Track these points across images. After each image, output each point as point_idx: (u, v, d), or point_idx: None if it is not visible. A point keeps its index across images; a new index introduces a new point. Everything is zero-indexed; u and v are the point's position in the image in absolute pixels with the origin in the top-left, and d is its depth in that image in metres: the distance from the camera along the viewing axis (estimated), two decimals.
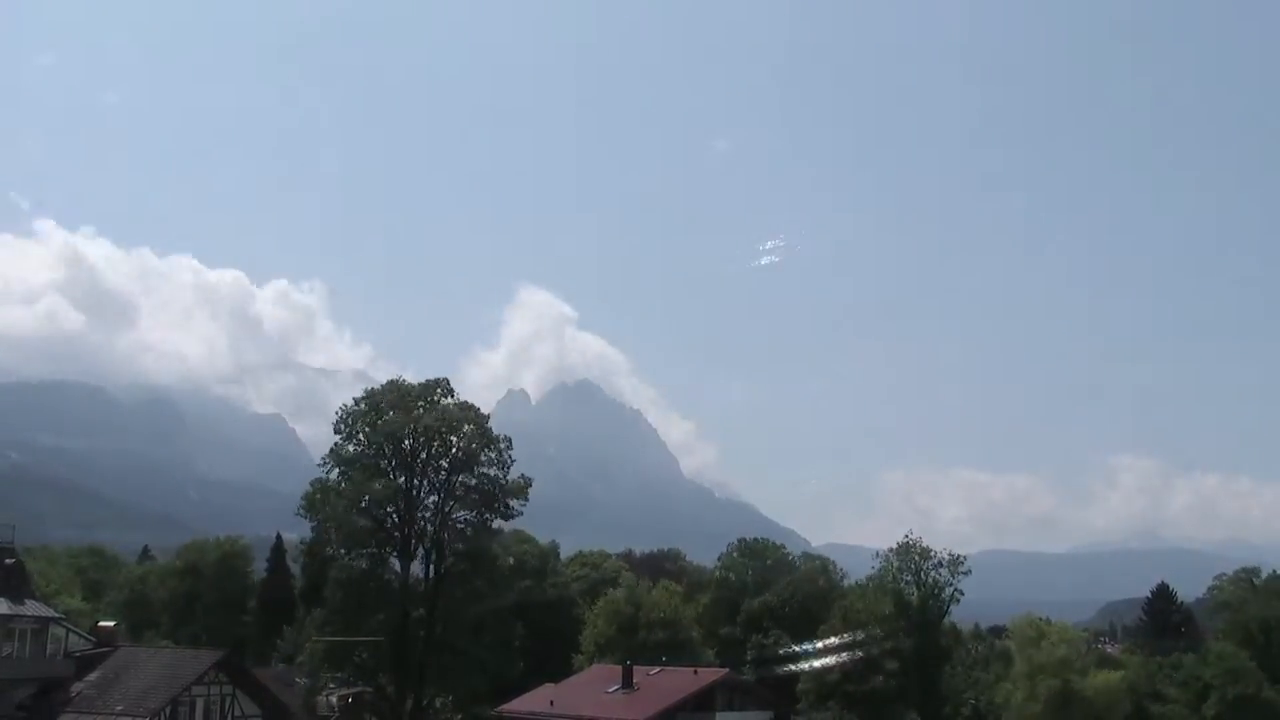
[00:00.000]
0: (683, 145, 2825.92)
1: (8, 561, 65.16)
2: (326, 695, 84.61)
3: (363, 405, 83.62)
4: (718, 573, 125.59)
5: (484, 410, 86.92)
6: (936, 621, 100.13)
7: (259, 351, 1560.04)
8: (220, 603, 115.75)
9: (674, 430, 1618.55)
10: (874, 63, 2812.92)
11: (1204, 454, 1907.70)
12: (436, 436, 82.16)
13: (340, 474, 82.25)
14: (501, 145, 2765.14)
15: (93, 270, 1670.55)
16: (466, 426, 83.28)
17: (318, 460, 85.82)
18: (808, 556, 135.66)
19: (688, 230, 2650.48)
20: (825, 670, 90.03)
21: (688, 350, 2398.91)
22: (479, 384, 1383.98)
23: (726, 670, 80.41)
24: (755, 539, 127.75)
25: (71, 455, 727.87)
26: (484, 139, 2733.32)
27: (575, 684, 79.64)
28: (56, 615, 69.48)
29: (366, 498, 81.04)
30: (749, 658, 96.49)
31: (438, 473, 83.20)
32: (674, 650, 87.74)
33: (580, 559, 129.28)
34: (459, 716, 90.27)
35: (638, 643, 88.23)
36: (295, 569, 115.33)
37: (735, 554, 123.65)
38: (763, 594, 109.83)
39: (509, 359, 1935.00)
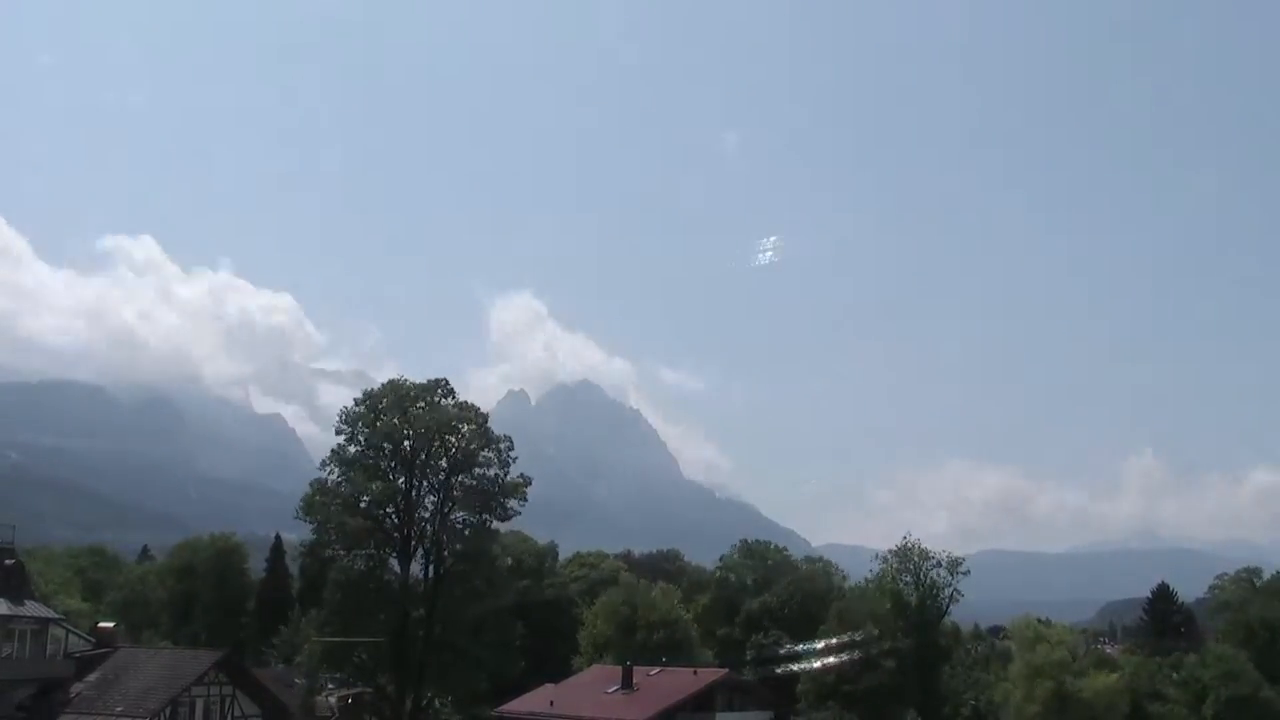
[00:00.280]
0: (680, 145, 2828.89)
1: (8, 562, 65.18)
2: (326, 695, 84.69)
3: (363, 406, 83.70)
4: (717, 573, 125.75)
5: (483, 410, 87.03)
6: (935, 622, 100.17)
7: (259, 351, 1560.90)
8: (219, 603, 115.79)
9: (674, 430, 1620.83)
10: (875, 61, 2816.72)
11: (1204, 454, 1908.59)
12: (436, 437, 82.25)
13: (340, 474, 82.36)
14: (498, 145, 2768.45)
15: (93, 270, 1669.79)
16: (466, 427, 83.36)
17: (318, 460, 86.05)
18: (808, 557, 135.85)
19: (686, 229, 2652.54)
20: (825, 670, 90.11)
21: (688, 350, 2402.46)
22: (478, 384, 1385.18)
23: (726, 670, 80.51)
24: (755, 540, 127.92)
25: (71, 455, 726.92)
26: (481, 138, 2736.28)
27: (575, 684, 79.70)
28: (56, 616, 69.53)
29: (365, 498, 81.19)
30: (749, 658, 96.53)
31: (437, 473, 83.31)
32: (673, 650, 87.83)
33: (579, 559, 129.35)
34: (459, 716, 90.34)
35: (637, 643, 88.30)
36: (294, 569, 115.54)
37: (735, 555, 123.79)
38: (762, 595, 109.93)
39: (508, 359, 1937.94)
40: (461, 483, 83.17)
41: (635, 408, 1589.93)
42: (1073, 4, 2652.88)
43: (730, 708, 73.65)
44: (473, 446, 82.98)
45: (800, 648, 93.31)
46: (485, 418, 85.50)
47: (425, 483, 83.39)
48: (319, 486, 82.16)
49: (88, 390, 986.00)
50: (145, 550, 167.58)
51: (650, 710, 67.90)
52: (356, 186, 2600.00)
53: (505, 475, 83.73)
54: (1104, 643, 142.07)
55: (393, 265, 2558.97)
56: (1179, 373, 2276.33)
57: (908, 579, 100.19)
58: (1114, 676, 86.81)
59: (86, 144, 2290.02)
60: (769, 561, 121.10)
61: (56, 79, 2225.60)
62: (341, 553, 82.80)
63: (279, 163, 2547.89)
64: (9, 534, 68.14)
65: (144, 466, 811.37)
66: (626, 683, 72.76)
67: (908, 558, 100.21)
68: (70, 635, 68.20)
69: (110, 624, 77.63)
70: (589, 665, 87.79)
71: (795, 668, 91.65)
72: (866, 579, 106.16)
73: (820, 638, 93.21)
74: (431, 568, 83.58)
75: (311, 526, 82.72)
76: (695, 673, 75.44)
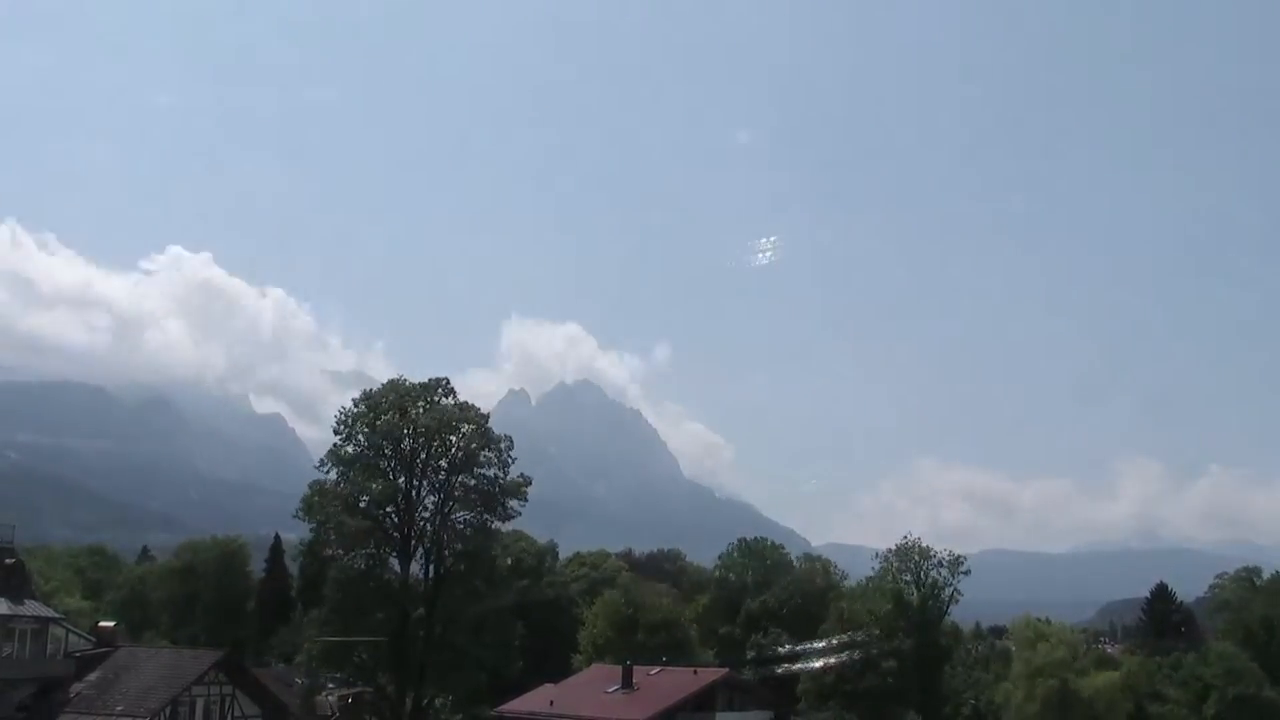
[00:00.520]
0: (680, 145, 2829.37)
1: (8, 561, 65.20)
2: (326, 695, 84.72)
3: (362, 406, 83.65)
4: (717, 573, 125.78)
5: (484, 410, 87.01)
6: (936, 621, 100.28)
7: (259, 351, 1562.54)
8: (219, 603, 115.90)
9: (674, 430, 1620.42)
10: (877, 59, 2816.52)
11: (1205, 454, 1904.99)
12: (436, 437, 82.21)
13: (339, 474, 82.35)
14: (499, 145, 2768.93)
15: (93, 270, 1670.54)
16: (466, 427, 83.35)
17: (317, 460, 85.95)
18: (807, 557, 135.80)
19: (686, 228, 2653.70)
20: (825, 670, 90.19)
21: (688, 350, 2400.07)
22: (479, 384, 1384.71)
23: (726, 670, 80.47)
24: (755, 539, 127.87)
25: (71, 455, 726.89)
26: (482, 139, 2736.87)
27: (575, 684, 79.68)
28: (56, 615, 69.54)
29: (365, 498, 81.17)
30: (749, 658, 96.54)
31: (437, 473, 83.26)
32: (673, 650, 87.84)
33: (580, 559, 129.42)
34: (459, 716, 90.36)
35: (636, 643, 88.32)
36: (294, 569, 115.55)
37: (735, 554, 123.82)
38: (762, 594, 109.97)
39: (509, 359, 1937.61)
40: (462, 483, 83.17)
41: (635, 407, 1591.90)
42: (1074, 4, 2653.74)
43: (730, 707, 73.61)
44: (473, 446, 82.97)
45: (800, 648, 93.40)
46: (486, 418, 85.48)
47: (425, 482, 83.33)
48: (318, 487, 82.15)
49: (88, 390, 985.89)
50: (145, 550, 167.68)
51: (650, 710, 67.87)
52: (358, 185, 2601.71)
53: (505, 475, 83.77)
54: (1104, 643, 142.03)
55: (394, 265, 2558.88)
56: (1179, 372, 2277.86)
57: (908, 578, 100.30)
58: (1115, 675, 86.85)
59: (87, 144, 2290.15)
60: (768, 561, 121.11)
61: (51, 79, 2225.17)
62: (341, 552, 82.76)
63: (279, 162, 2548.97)
64: (9, 534, 68.15)
65: (144, 466, 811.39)
66: (626, 682, 72.74)
67: (908, 557, 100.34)
68: (70, 635, 68.20)
69: (110, 623, 77.62)
70: (589, 665, 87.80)
71: (795, 668, 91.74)
72: (867, 578, 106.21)
73: (820, 637, 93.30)
74: (431, 567, 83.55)
75: (311, 527, 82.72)
76: (695, 672, 75.44)
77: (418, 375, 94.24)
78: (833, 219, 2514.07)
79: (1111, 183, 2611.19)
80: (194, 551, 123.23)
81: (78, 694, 63.54)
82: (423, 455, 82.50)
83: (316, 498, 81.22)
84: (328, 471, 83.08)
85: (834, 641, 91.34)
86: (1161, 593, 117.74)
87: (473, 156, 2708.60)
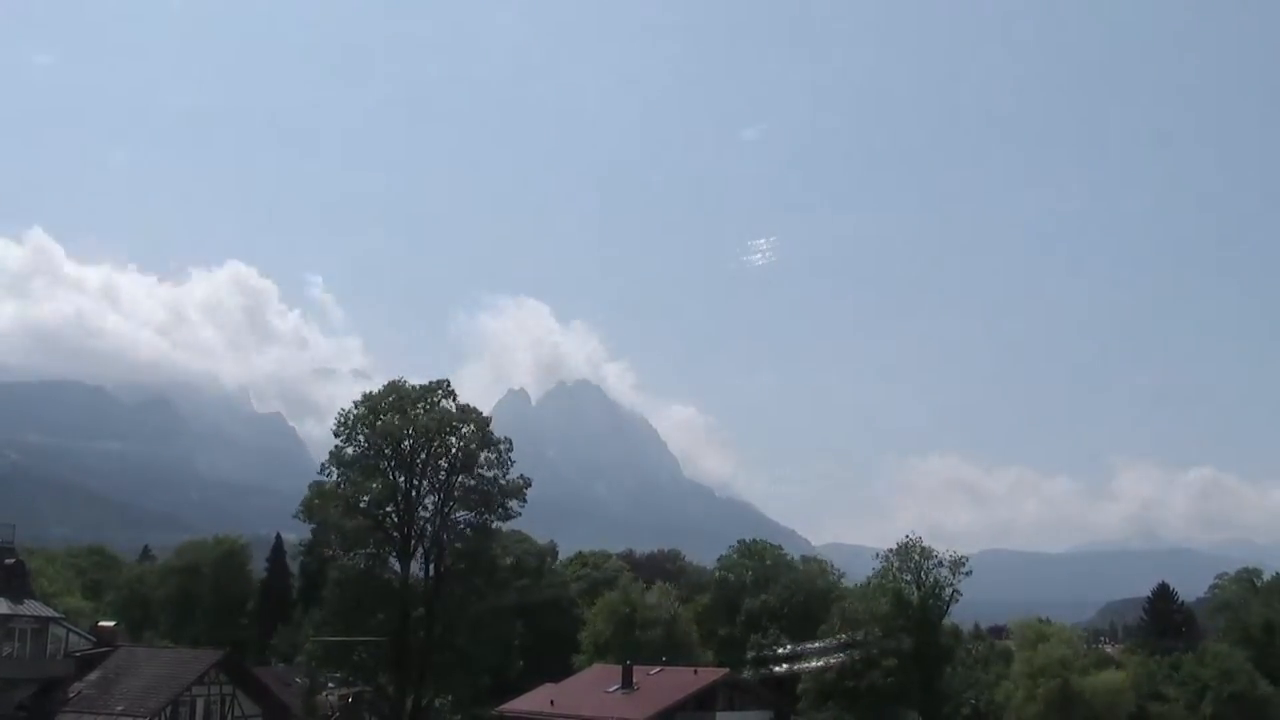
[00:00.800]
0: (680, 145, 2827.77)
1: (8, 561, 65.25)
2: (326, 695, 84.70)
3: (362, 407, 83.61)
4: (717, 573, 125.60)
5: (483, 411, 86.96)
6: (937, 621, 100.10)
7: (259, 351, 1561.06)
8: (220, 603, 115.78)
9: (674, 430, 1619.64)
10: (878, 57, 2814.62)
11: (1205, 454, 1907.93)
12: (436, 437, 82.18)
13: (340, 475, 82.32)
14: (500, 145, 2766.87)
15: (93, 270, 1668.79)
16: (466, 428, 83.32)
17: (318, 460, 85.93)
18: (807, 557, 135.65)
19: (685, 228, 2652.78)
20: (825, 670, 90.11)
21: (688, 350, 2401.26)
22: (479, 384, 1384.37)
23: (727, 670, 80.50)
24: (755, 539, 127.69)
25: (71, 455, 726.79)
26: (482, 140, 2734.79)
27: (575, 684, 79.67)
28: (56, 615, 69.54)
29: (365, 498, 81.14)
30: (749, 658, 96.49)
31: (437, 473, 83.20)
32: (673, 650, 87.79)
33: (580, 559, 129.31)
34: (459, 716, 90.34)
35: (637, 643, 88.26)
36: (294, 569, 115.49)
37: (735, 554, 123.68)
38: (762, 594, 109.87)
39: (509, 359, 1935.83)
40: (462, 483, 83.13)
41: (636, 407, 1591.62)
42: (1079, 4, 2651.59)
43: (730, 707, 73.60)
44: (473, 447, 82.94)
45: (800, 648, 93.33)
46: (486, 419, 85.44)
47: (425, 483, 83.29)
48: (319, 488, 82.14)
49: (88, 390, 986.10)
50: (145, 550, 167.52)
51: (650, 710, 67.87)
52: (359, 185, 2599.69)
53: (505, 476, 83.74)
54: (1104, 642, 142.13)
55: (395, 265, 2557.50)
56: (1180, 373, 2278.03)
57: (908, 578, 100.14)
58: (1119, 675, 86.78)
59: (86, 144, 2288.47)
60: (768, 561, 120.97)
61: (50, 79, 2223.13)
62: (341, 553, 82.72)
63: (279, 162, 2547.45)
64: (9, 534, 68.21)
65: (144, 466, 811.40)
66: (627, 682, 72.74)
67: (909, 557, 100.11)
68: (70, 634, 68.20)
69: (111, 623, 77.64)
70: (589, 665, 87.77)
71: (795, 667, 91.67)
72: (868, 578, 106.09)
73: (820, 637, 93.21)
74: (431, 567, 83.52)
75: (311, 527, 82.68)
76: (695, 672, 75.45)
77: (418, 376, 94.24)
78: (834, 219, 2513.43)
79: (1115, 183, 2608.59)
80: (195, 551, 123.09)
81: (78, 694, 63.51)
82: (423, 456, 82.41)
83: (317, 499, 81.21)
84: (328, 472, 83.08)
85: (834, 641, 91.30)
86: (1163, 593, 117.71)
87: (473, 157, 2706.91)
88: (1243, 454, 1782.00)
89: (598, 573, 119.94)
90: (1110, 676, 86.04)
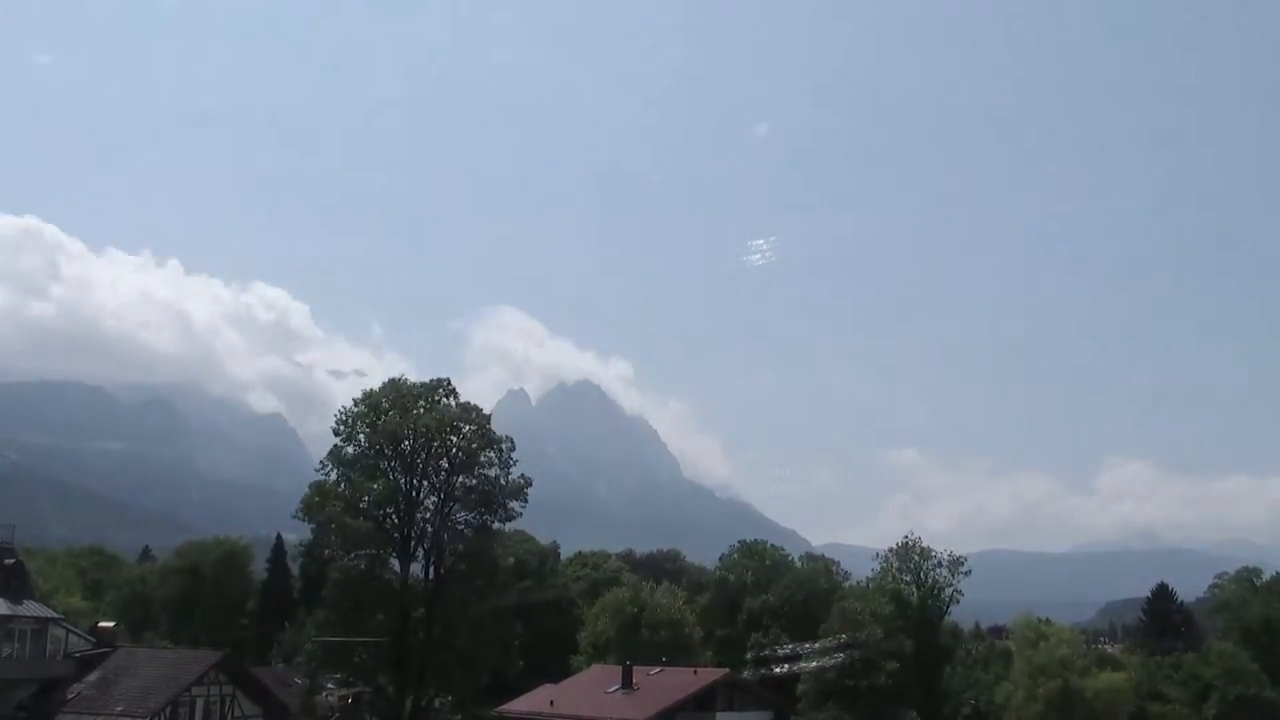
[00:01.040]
0: (679, 145, 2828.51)
1: (8, 561, 65.23)
2: (326, 695, 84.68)
3: (362, 406, 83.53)
4: (717, 573, 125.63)
5: (484, 411, 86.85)
6: (937, 621, 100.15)
7: (259, 351, 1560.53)
8: (220, 603, 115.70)
9: (674, 430, 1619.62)
10: (879, 56, 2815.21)
11: (1205, 454, 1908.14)
12: (436, 437, 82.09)
13: (340, 475, 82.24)
14: (502, 146, 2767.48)
15: (93, 270, 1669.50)
16: (467, 427, 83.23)
17: (318, 460, 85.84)
18: (808, 557, 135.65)
19: (685, 228, 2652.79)
20: (825, 670, 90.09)
21: (688, 350, 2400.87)
22: (479, 384, 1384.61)
23: (727, 670, 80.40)
24: (755, 540, 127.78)
25: (71, 455, 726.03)
26: (483, 140, 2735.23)
27: (575, 684, 79.63)
28: (56, 615, 69.51)
29: (366, 498, 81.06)
30: (748, 658, 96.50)
31: (438, 473, 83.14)
32: (673, 650, 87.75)
33: (580, 559, 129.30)
34: (459, 716, 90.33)
35: (636, 643, 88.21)
36: (295, 569, 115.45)
37: (735, 555, 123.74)
38: (762, 594, 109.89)
39: (509, 359, 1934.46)
40: (462, 483, 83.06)
41: (636, 408, 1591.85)
42: (1079, 5, 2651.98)
43: (730, 707, 73.52)
44: (474, 447, 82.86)
45: (800, 647, 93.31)
46: (487, 418, 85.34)
47: (426, 483, 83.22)
48: (319, 487, 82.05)
49: (88, 390, 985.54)
50: (146, 550, 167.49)
51: (650, 710, 67.82)
52: (359, 185, 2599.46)
53: (506, 476, 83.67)
54: (1104, 642, 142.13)
55: (395, 265, 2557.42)
56: (1180, 373, 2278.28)
57: (908, 578, 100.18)
58: (1120, 675, 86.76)
59: (86, 144, 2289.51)
60: (768, 561, 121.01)
61: (51, 79, 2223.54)
62: (342, 553, 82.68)
63: (279, 161, 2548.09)
64: (9, 534, 68.20)
65: (144, 466, 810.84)
66: (626, 682, 72.68)
67: (908, 557, 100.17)
68: (70, 635, 68.21)
69: (110, 624, 77.71)
70: (589, 665, 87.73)
71: (795, 667, 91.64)
72: (867, 578, 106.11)
73: (820, 637, 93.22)
74: (432, 568, 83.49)
75: (312, 527, 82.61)
76: (695, 672, 75.36)
77: (419, 375, 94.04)
78: (834, 219, 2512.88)
79: (1113, 183, 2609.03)
80: (195, 552, 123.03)
81: (78, 694, 63.52)
82: (423, 455, 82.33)
83: (317, 498, 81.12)
84: (328, 472, 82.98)
85: (834, 641, 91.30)
86: (1162, 593, 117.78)
87: (474, 157, 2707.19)
88: (1243, 454, 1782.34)
89: (597, 573, 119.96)
90: (1110, 676, 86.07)
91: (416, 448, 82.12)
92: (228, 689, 66.55)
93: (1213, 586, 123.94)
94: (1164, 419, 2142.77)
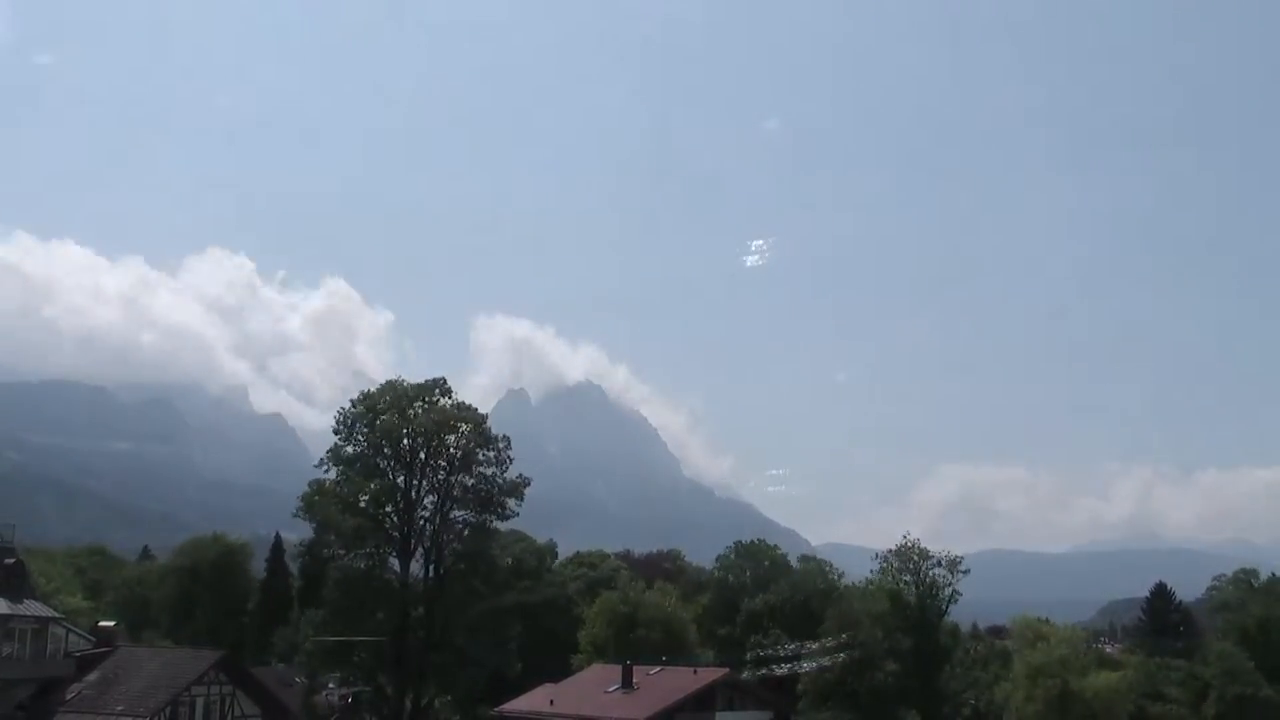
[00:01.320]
0: (678, 146, 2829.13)
1: (8, 561, 65.20)
2: (326, 695, 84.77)
3: (360, 406, 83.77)
4: (716, 573, 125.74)
5: (484, 411, 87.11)
6: (936, 621, 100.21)
7: (259, 351, 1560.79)
8: (219, 602, 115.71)
9: (674, 430, 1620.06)
10: (880, 56, 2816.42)
11: (1205, 454, 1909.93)
12: (434, 436, 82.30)
13: (339, 474, 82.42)
14: (502, 146, 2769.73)
15: (93, 271, 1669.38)
16: (464, 427, 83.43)
17: (317, 460, 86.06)
18: (807, 557, 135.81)
19: (685, 228, 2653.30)
20: (825, 670, 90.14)
21: (688, 350, 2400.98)
22: (479, 384, 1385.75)
23: (726, 670, 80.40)
24: (753, 540, 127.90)
25: (71, 455, 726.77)
26: (484, 140, 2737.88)
27: (574, 684, 79.62)
28: (56, 615, 69.48)
29: (365, 498, 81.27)
30: (748, 658, 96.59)
31: (436, 473, 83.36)
32: (673, 650, 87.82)
33: (579, 559, 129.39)
34: (458, 716, 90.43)
35: (636, 642, 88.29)
36: (294, 569, 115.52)
37: (733, 555, 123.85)
38: (762, 594, 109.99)
39: (509, 359, 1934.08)
40: (460, 482, 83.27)
41: (636, 408, 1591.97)
42: (1080, 5, 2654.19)
43: (730, 707, 73.52)
44: (471, 446, 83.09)
45: (800, 648, 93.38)
46: (483, 418, 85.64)
47: (424, 482, 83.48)
48: (318, 486, 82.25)
49: (88, 390, 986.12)
50: (145, 550, 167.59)
51: (650, 710, 67.83)
52: (360, 184, 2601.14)
53: (503, 475, 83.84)
54: (1104, 642, 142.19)
55: (395, 264, 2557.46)
56: (1180, 373, 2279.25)
57: (907, 579, 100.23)
58: (1117, 675, 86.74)
59: (86, 143, 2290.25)
60: (767, 561, 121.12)
61: (53, 80, 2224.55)
62: (341, 552, 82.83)
63: (279, 161, 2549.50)
64: (9, 534, 68.15)
65: (144, 466, 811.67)
66: (626, 682, 72.70)
67: (907, 557, 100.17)
68: (70, 634, 68.17)
69: (110, 623, 77.61)
70: (589, 665, 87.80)
71: (795, 667, 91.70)
72: (867, 579, 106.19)
73: (820, 637, 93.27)
74: (431, 567, 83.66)
75: (311, 526, 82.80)
76: (695, 672, 75.34)
77: (417, 375, 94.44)
78: (831, 217, 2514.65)
79: (1112, 184, 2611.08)
80: (194, 550, 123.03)
81: (78, 694, 63.49)
82: (421, 455, 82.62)
83: (316, 497, 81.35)
84: (327, 471, 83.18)
85: (833, 642, 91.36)
86: (1161, 593, 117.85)
87: (474, 155, 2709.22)
88: (1243, 454, 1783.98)
89: (596, 572, 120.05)
90: (1110, 676, 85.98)
91: (415, 447, 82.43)
92: (228, 688, 66.50)
93: (1212, 587, 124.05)
94: (1164, 419, 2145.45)
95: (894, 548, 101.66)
